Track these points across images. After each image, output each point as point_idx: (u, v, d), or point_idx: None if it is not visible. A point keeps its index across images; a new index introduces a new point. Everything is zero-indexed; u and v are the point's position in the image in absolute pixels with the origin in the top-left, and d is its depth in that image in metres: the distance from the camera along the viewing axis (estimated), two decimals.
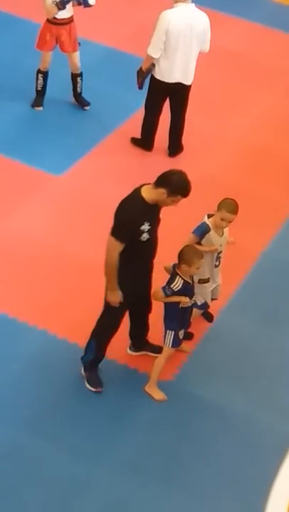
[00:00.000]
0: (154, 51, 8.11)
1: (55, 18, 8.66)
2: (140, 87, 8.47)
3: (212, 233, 6.28)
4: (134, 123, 8.96)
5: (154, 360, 6.25)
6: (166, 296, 5.91)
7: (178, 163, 8.71)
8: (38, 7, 8.78)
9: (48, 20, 8.76)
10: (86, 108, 9.25)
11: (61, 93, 9.29)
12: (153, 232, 5.63)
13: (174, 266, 5.98)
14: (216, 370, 6.28)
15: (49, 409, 6.11)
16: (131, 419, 6.06)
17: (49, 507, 5.52)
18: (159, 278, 6.08)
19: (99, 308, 6.92)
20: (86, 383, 6.20)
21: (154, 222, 5.63)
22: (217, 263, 6.42)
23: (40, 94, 9.13)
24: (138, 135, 8.87)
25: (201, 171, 8.67)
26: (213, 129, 9.14)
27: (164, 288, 5.94)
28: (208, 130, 9.16)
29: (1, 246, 7.46)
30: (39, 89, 9.09)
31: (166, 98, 8.51)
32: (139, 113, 8.83)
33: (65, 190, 8.20)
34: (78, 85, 9.17)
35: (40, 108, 9.16)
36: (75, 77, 9.14)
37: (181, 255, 5.90)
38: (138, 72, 8.39)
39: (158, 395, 6.22)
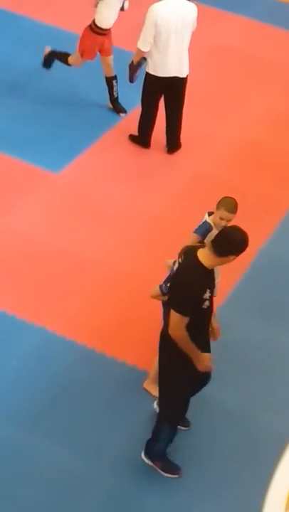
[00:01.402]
0: (143, 45, 8.08)
1: (101, 28, 8.64)
2: (131, 81, 8.45)
3: (214, 232, 6.25)
4: (131, 120, 8.96)
5: (154, 357, 6.25)
6: (164, 294, 5.86)
7: (175, 161, 8.75)
8: (38, 4, 8.76)
9: (93, 31, 8.70)
10: (121, 115, 9.20)
11: (59, 91, 9.29)
12: (212, 297, 5.29)
13: (175, 263, 5.96)
14: (215, 367, 6.27)
15: (48, 406, 6.12)
16: (130, 416, 6.07)
17: (47, 503, 5.53)
18: (160, 276, 6.08)
19: (97, 306, 6.96)
20: (163, 473, 5.72)
21: (213, 287, 5.29)
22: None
23: (53, 60, 9.20)
24: (136, 132, 8.87)
25: (198, 169, 8.68)
26: (210, 126, 9.15)
27: (161, 286, 5.91)
28: (205, 127, 9.17)
29: None
30: (57, 59, 9.14)
31: (162, 93, 8.47)
32: (137, 110, 8.83)
33: (62, 187, 8.21)
34: (114, 89, 9.11)
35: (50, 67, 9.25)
36: (110, 80, 9.08)
37: (182, 255, 5.86)
38: (129, 66, 8.36)
39: (157, 392, 6.22)
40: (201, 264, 5.08)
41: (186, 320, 5.09)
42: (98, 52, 8.88)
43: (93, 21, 8.69)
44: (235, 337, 6.76)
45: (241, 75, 10.15)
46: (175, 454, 5.84)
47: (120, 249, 7.55)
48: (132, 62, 8.33)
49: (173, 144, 8.78)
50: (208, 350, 5.46)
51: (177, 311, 5.08)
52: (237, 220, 6.54)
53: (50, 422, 6.01)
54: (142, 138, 8.80)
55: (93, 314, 6.89)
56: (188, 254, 5.19)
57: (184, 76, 8.33)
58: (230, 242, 5.07)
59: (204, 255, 5.09)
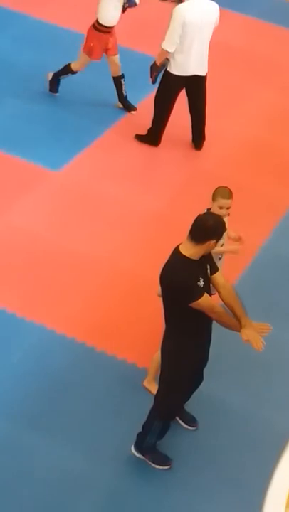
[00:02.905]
0: (169, 45, 8.08)
1: (104, 26, 8.63)
2: (153, 82, 8.45)
3: None
4: (132, 118, 8.96)
5: (153, 355, 6.25)
6: None
7: (176, 159, 8.74)
8: (39, 2, 8.75)
9: (97, 29, 8.69)
10: (132, 113, 9.20)
11: (60, 89, 9.27)
12: (208, 287, 5.28)
13: None
14: (215, 363, 6.27)
15: (47, 404, 6.11)
16: (130, 414, 6.06)
17: (46, 501, 5.52)
18: None
19: (97, 303, 6.95)
20: (153, 465, 5.75)
21: (206, 278, 5.26)
22: (220, 256, 6.40)
23: (59, 82, 9.14)
24: (137, 130, 8.86)
25: (198, 167, 8.68)
26: (211, 124, 9.12)
27: None
28: (206, 125, 9.13)
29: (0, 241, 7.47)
30: (61, 78, 9.09)
31: (180, 92, 8.46)
32: (138, 108, 8.82)
33: (63, 185, 8.21)
34: (123, 88, 9.12)
35: (56, 94, 9.19)
36: (118, 79, 9.08)
37: None
38: (152, 66, 8.35)
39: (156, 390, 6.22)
40: (185, 257, 5.12)
41: (206, 297, 5.12)
42: (104, 52, 8.86)
43: (96, 20, 8.68)
44: (235, 334, 6.74)
45: (242, 73, 10.15)
46: (174, 451, 5.85)
47: (121, 247, 7.55)
48: (155, 63, 8.31)
49: (199, 139, 8.79)
50: (209, 338, 5.51)
51: (194, 300, 5.11)
52: (238, 218, 6.56)
53: (50, 419, 6.00)
54: (153, 136, 8.75)
55: (93, 312, 6.89)
56: (173, 251, 5.24)
57: (204, 74, 8.36)
58: (205, 228, 5.12)
59: (186, 248, 5.15)
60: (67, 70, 9.05)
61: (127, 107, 9.22)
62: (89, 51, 8.83)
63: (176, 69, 8.25)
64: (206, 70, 8.36)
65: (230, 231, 6.37)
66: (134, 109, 9.21)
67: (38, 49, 9.38)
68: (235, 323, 5.29)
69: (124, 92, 9.15)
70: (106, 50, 8.85)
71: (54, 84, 9.19)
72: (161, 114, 8.61)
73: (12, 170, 8.28)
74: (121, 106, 9.26)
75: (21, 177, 8.21)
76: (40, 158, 8.43)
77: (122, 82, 9.09)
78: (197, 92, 8.50)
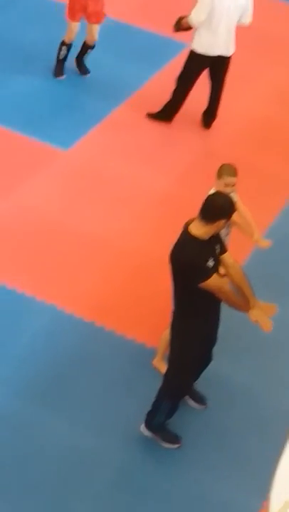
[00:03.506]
0: (196, 18, 8.00)
1: None
2: (175, 31, 8.38)
3: None
4: (141, 96, 8.93)
5: (162, 334, 6.28)
6: None
7: (185, 138, 8.72)
8: None
9: None
10: (87, 75, 9.23)
11: (68, 67, 9.24)
12: (217, 268, 5.28)
13: None
14: (223, 343, 6.29)
15: (57, 383, 6.15)
16: (140, 393, 6.09)
17: (58, 479, 5.57)
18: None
19: (106, 283, 6.97)
20: (162, 443, 5.81)
21: (216, 258, 5.27)
22: (228, 231, 6.40)
23: (62, 62, 9.08)
24: (146, 108, 8.83)
25: (207, 146, 8.66)
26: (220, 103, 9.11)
27: None
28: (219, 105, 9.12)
29: (9, 221, 7.48)
30: (61, 58, 9.04)
31: (203, 71, 8.44)
32: (147, 86, 8.79)
33: (72, 164, 8.20)
34: (86, 55, 9.15)
35: (63, 77, 9.11)
36: (86, 48, 9.09)
37: None
38: (177, 21, 8.28)
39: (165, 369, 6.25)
40: (195, 237, 5.13)
41: (215, 278, 5.14)
42: (85, 18, 8.80)
43: None
44: (244, 313, 6.76)
45: (250, 51, 10.08)
46: (184, 430, 5.89)
47: (130, 226, 7.56)
48: (182, 23, 8.24)
49: (210, 118, 8.78)
50: (218, 317, 5.52)
51: (203, 280, 5.11)
52: (246, 197, 6.55)
53: (60, 399, 6.04)
54: (168, 112, 8.72)
55: (102, 292, 6.91)
56: (182, 231, 5.25)
57: (230, 55, 8.34)
58: (215, 208, 5.13)
59: (196, 228, 5.15)
60: (60, 46, 9.00)
61: (82, 69, 9.25)
62: (68, 12, 8.78)
63: (201, 48, 8.21)
64: (233, 51, 8.33)
65: (241, 209, 6.33)
66: (88, 72, 9.23)
67: (45, 27, 9.32)
68: (243, 304, 5.31)
69: (84, 58, 9.19)
70: (87, 16, 8.80)
71: (58, 70, 9.14)
72: (181, 91, 8.57)
73: (21, 149, 8.27)
74: (75, 64, 9.27)
75: (30, 156, 8.20)
76: (48, 138, 8.42)
77: (89, 51, 9.13)
78: (219, 73, 8.49)
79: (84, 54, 9.16)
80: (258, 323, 5.32)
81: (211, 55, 8.24)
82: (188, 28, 8.20)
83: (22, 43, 9.68)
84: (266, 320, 5.31)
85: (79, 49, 9.12)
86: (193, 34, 8.20)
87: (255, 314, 5.31)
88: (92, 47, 9.06)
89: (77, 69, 9.25)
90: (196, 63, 8.34)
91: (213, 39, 8.14)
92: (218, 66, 8.41)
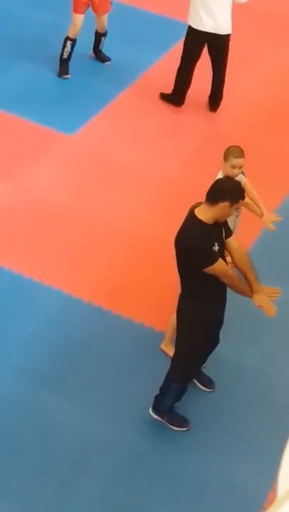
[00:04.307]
0: None
1: None
2: None
3: None
4: (146, 80, 8.88)
5: (169, 317, 6.27)
6: None
7: (190, 121, 8.68)
8: None
9: None
10: (106, 63, 9.22)
11: (72, 51, 9.20)
12: (222, 252, 5.29)
13: None
14: (230, 325, 6.29)
15: (66, 367, 6.16)
16: (147, 377, 6.10)
17: (67, 462, 5.59)
18: None
19: (113, 267, 6.97)
20: (171, 426, 5.81)
21: (221, 242, 5.27)
22: (237, 213, 6.38)
23: (66, 62, 8.98)
24: (152, 92, 8.79)
25: (212, 128, 8.62)
26: (226, 85, 9.04)
27: None
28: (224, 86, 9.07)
29: (15, 206, 7.48)
30: (65, 57, 8.95)
31: (202, 49, 8.40)
32: (152, 69, 8.75)
33: (77, 149, 8.18)
34: (101, 44, 9.15)
35: (68, 76, 9.01)
36: (100, 36, 9.09)
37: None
38: None
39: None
40: (201, 221, 5.11)
41: (220, 262, 5.12)
42: (92, 9, 8.75)
43: None
44: None
45: (256, 32, 10.02)
46: (192, 412, 5.89)
47: (136, 211, 7.54)
48: None
49: (215, 101, 8.74)
50: (224, 300, 5.50)
51: (207, 265, 5.09)
52: (254, 180, 6.52)
53: (69, 383, 6.05)
54: (176, 95, 8.70)
55: (109, 276, 6.90)
56: (188, 215, 5.22)
57: (223, 34, 8.27)
58: (220, 189, 5.13)
59: (202, 211, 5.13)
60: (65, 41, 8.90)
61: (101, 58, 9.22)
62: (74, 5, 8.71)
63: (195, 23, 8.19)
64: (227, 31, 8.28)
65: (249, 190, 6.29)
66: (108, 59, 9.20)
67: (51, 11, 9.28)
68: (248, 289, 5.30)
69: (101, 46, 9.18)
70: (94, 8, 8.75)
71: (62, 68, 9.01)
72: (184, 69, 8.54)
73: (26, 135, 8.26)
74: (94, 56, 9.25)
75: (36, 142, 8.18)
76: (54, 122, 8.39)
77: (102, 39, 9.09)
78: (217, 52, 8.43)
79: (99, 43, 9.14)
80: (262, 308, 5.30)
81: (205, 30, 8.19)
82: None
83: (29, 27, 9.64)
84: (270, 305, 5.29)
85: (93, 40, 9.09)
86: (189, 10, 8.17)
87: (258, 299, 5.29)
88: (105, 34, 9.03)
89: (97, 59, 9.21)
90: (192, 39, 8.31)
91: (205, 15, 8.10)
92: (216, 45, 8.35)
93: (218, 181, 5.30)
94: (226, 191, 5.11)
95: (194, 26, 8.21)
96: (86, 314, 6.54)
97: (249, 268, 5.33)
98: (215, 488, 5.55)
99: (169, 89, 8.75)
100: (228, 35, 8.31)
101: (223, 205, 5.09)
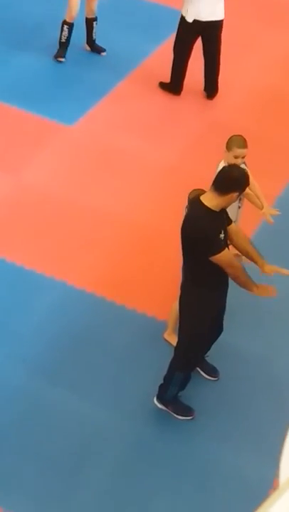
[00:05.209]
0: None
1: None
2: None
3: None
4: (144, 70, 8.86)
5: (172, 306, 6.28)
6: None
7: (191, 110, 8.67)
8: None
9: None
10: (103, 54, 9.17)
11: (70, 42, 9.17)
12: (226, 241, 5.31)
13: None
14: (233, 314, 6.31)
15: (69, 358, 6.17)
16: (151, 367, 6.11)
17: (72, 452, 5.60)
18: (178, 227, 6.05)
19: (115, 258, 6.97)
20: (175, 415, 5.82)
21: (225, 230, 5.27)
22: (240, 204, 6.37)
23: (64, 45, 8.98)
24: (150, 81, 8.78)
25: (213, 116, 8.60)
26: (225, 73, 9.02)
27: None
28: (221, 74, 9.01)
29: (15, 198, 7.47)
30: (63, 41, 8.95)
31: (196, 39, 8.39)
32: (151, 58, 8.73)
33: (77, 140, 8.17)
34: (94, 31, 9.07)
35: (63, 59, 9.01)
36: (90, 21, 9.01)
37: (189, 203, 5.86)
38: None
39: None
40: (208, 208, 5.10)
41: (226, 252, 5.15)
42: None
43: None
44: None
45: (257, 19, 10.00)
46: (196, 401, 5.91)
47: (137, 201, 7.54)
48: None
49: (212, 88, 8.73)
50: (227, 287, 5.50)
51: (214, 253, 5.10)
52: (254, 168, 6.51)
53: (72, 374, 6.06)
54: (173, 84, 8.69)
55: (112, 266, 6.91)
56: (193, 202, 5.22)
57: (219, 19, 8.26)
58: (229, 179, 5.12)
59: (208, 199, 5.12)
60: (62, 26, 8.89)
61: (96, 49, 9.17)
62: None
63: (189, 15, 8.16)
64: (222, 17, 8.25)
65: (250, 181, 6.27)
66: (104, 50, 9.16)
67: (48, 3, 9.25)
68: (250, 282, 5.32)
69: (94, 35, 9.09)
70: None
71: (60, 51, 9.02)
72: (178, 60, 8.53)
73: (26, 126, 8.24)
74: (88, 49, 9.19)
75: (35, 133, 8.17)
76: (53, 113, 8.38)
77: (94, 25, 9.02)
78: (211, 39, 8.41)
79: (91, 31, 9.06)
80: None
81: (199, 19, 8.17)
82: None
83: (27, 18, 9.61)
84: (270, 287, 5.39)
85: (85, 32, 9.03)
86: (184, 2, 8.15)
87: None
88: (95, 19, 8.96)
89: (91, 51, 9.17)
90: (186, 30, 8.29)
91: (198, 5, 8.09)
92: (209, 32, 8.32)
93: (226, 170, 5.30)
94: (236, 181, 5.12)
95: (190, 19, 8.15)
96: (89, 305, 6.55)
97: (250, 247, 5.41)
98: (220, 476, 5.57)
99: (167, 78, 8.74)
100: (222, 21, 8.29)
101: (233, 195, 5.11)
